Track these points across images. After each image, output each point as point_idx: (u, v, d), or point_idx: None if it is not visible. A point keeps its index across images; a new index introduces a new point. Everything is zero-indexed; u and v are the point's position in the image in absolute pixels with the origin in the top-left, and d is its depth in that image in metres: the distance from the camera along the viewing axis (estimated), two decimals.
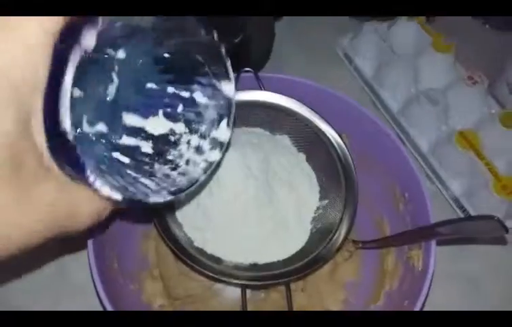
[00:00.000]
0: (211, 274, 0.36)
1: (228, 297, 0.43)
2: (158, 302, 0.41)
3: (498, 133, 0.48)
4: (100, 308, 0.35)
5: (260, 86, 0.43)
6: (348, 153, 0.40)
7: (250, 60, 0.56)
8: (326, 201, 0.41)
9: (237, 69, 0.43)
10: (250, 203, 0.38)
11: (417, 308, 0.34)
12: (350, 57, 0.59)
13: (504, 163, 0.47)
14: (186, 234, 0.38)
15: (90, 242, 0.35)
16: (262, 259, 0.38)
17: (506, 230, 0.30)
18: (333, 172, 0.41)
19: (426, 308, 0.37)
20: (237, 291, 0.43)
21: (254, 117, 0.42)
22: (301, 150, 0.43)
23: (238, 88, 0.42)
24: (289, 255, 0.39)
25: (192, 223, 0.38)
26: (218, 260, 0.37)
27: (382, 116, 0.54)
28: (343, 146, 0.41)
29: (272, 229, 0.39)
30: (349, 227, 0.39)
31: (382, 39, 0.57)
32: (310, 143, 0.42)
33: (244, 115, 0.42)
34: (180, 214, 0.39)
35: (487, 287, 0.45)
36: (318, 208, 0.41)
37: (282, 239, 0.39)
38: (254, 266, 0.38)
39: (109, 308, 0.32)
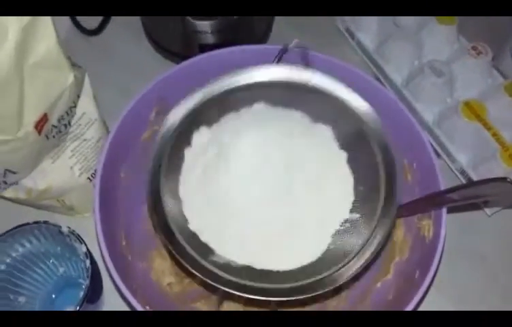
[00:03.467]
0: (190, 268, 0.32)
1: None
2: (166, 280, 0.40)
3: (503, 103, 0.47)
4: (110, 284, 0.35)
5: (306, 62, 0.39)
6: (394, 160, 0.35)
7: (251, 35, 0.56)
8: (357, 215, 0.34)
9: (239, 43, 0.43)
10: (261, 195, 0.34)
11: (429, 278, 0.34)
12: (352, 32, 0.58)
13: (510, 132, 0.46)
14: (182, 212, 0.34)
15: (97, 217, 0.34)
16: (259, 264, 0.33)
17: None
18: (373, 180, 0.35)
19: (435, 281, 0.37)
20: None
21: (294, 98, 0.37)
22: (344, 147, 0.36)
23: (279, 61, 0.39)
24: (290, 268, 0.33)
25: (192, 202, 0.34)
26: (208, 251, 0.33)
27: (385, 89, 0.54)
28: (391, 151, 0.35)
29: (279, 233, 0.33)
30: (373, 254, 0.32)
31: None
32: (355, 140, 0.36)
33: (282, 93, 0.37)
34: (183, 190, 0.35)
35: (496, 262, 0.46)
36: (345, 221, 0.34)
37: (289, 247, 0.33)
38: (247, 269, 0.32)
39: (119, 283, 0.32)
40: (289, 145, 0.35)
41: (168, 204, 0.34)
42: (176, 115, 0.37)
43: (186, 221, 0.34)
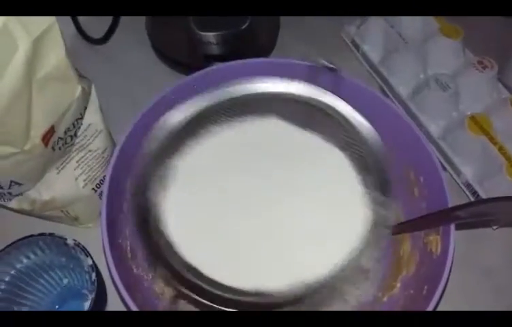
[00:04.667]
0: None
1: None
2: (171, 293, 0.40)
3: (509, 117, 0.47)
4: (115, 294, 0.35)
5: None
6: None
7: (256, 46, 0.56)
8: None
9: (244, 54, 0.42)
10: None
11: (438, 294, 0.33)
12: (357, 44, 0.58)
13: None
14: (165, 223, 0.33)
15: (104, 229, 0.34)
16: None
17: None
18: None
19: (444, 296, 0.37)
20: None
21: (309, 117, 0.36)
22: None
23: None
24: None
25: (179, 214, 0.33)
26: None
27: (392, 103, 0.54)
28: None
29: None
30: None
31: (389, 25, 0.56)
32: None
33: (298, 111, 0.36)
34: (170, 200, 0.34)
35: (502, 276, 0.45)
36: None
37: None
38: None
39: (124, 294, 0.31)
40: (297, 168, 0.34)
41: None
42: (175, 117, 0.36)
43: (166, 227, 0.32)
